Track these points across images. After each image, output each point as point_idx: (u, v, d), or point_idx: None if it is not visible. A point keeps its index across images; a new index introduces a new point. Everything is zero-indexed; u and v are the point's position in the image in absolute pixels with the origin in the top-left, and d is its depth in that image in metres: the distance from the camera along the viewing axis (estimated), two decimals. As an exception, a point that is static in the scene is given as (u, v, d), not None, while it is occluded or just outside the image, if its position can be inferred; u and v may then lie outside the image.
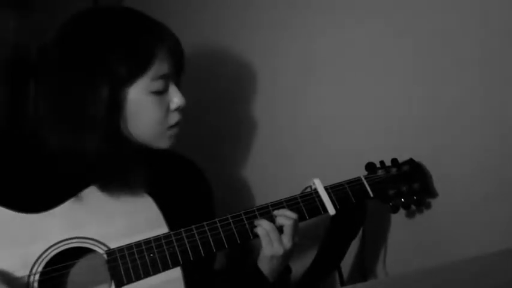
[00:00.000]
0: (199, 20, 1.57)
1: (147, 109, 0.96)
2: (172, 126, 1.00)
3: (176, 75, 1.02)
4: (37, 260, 0.88)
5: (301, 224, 1.00)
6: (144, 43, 0.95)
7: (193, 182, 1.14)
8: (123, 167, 0.95)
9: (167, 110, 0.99)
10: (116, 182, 0.94)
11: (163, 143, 1.01)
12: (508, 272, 0.73)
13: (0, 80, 1.82)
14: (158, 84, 0.96)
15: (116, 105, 0.93)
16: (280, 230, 0.98)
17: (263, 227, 0.98)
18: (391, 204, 1.06)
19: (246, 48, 1.44)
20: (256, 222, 0.98)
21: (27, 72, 1.90)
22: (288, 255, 1.00)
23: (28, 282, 0.86)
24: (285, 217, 0.99)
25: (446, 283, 0.72)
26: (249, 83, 1.43)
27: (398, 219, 1.13)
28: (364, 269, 1.14)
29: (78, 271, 0.91)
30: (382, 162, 1.09)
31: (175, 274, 0.92)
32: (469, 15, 1.01)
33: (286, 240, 0.97)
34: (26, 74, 1.89)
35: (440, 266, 0.80)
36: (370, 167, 1.09)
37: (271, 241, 0.97)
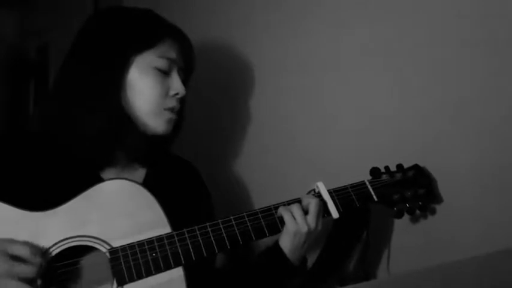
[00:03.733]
0: (198, 19, 1.57)
1: (147, 82, 1.03)
2: (169, 110, 1.05)
3: (183, 70, 1.10)
4: (40, 258, 0.88)
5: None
6: (157, 26, 1.07)
7: (193, 183, 1.16)
8: (124, 145, 1.02)
9: (166, 92, 1.06)
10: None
11: (160, 125, 1.05)
12: (508, 272, 0.73)
13: (0, 80, 1.82)
14: (162, 63, 1.04)
15: (121, 68, 1.01)
16: (305, 212, 0.99)
17: (286, 207, 0.99)
18: (395, 209, 1.05)
19: (248, 48, 1.45)
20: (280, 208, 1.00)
21: (27, 72, 1.90)
22: (311, 238, 0.99)
23: (31, 279, 0.86)
24: (310, 197, 1.01)
25: (447, 283, 0.72)
26: (250, 84, 1.44)
27: (401, 223, 1.12)
28: (367, 273, 1.13)
29: (80, 269, 0.91)
30: (386, 168, 1.09)
31: (177, 273, 0.92)
32: (469, 15, 1.02)
33: (311, 219, 0.98)
34: (26, 74, 1.90)
35: (441, 266, 0.80)
36: (374, 171, 1.08)
37: (295, 217, 0.97)
